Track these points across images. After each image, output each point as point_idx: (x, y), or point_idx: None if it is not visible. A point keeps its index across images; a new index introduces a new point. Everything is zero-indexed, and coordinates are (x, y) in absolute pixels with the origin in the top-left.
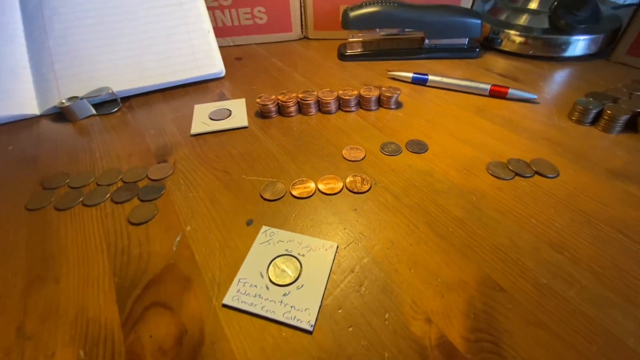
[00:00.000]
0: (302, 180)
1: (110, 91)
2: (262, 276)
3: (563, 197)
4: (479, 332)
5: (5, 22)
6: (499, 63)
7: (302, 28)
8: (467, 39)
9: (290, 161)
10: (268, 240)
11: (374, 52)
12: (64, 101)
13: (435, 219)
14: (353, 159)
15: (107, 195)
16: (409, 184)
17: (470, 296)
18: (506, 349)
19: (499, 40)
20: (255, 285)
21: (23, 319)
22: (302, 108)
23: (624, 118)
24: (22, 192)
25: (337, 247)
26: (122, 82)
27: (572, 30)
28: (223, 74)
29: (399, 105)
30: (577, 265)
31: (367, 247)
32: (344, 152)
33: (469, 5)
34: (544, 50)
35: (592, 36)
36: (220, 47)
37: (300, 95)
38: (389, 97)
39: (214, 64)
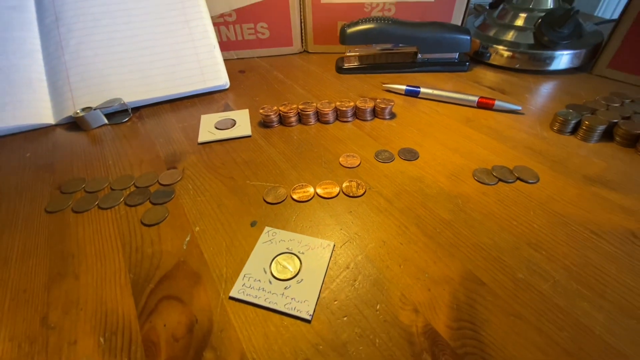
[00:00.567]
0: (302, 185)
1: (122, 102)
2: (265, 272)
3: (542, 200)
4: (461, 321)
5: (23, 37)
6: (488, 76)
7: (302, 42)
8: (458, 54)
9: (291, 168)
10: (270, 240)
11: (370, 66)
12: (78, 111)
13: (424, 220)
14: (349, 166)
15: (121, 199)
16: (400, 189)
17: (454, 290)
18: (485, 336)
19: (488, 55)
20: (259, 280)
21: (47, 310)
22: (302, 118)
23: (600, 128)
24: (41, 196)
25: (334, 245)
26: (133, 94)
27: (555, 45)
28: (228, 86)
29: (392, 115)
30: (552, 262)
31: (361, 245)
32: (340, 159)
33: (459, 22)
34: (529, 64)
35: (575, 51)
36: (225, 61)
37: (300, 107)
38: (383, 108)
39: (219, 77)
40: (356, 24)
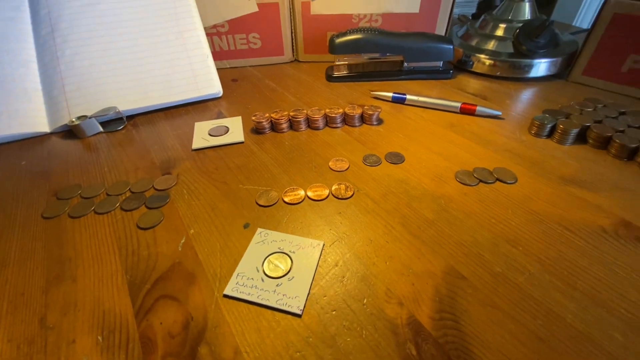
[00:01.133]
0: (293, 188)
1: (117, 110)
2: (258, 270)
3: (520, 200)
4: (443, 312)
5: (19, 48)
6: (471, 83)
7: (293, 52)
8: (442, 62)
9: (282, 172)
10: (263, 240)
11: (359, 74)
12: (73, 120)
13: (409, 220)
14: (338, 170)
15: (117, 204)
16: (387, 190)
17: (437, 284)
18: (465, 326)
19: (471, 63)
20: (252, 278)
21: (45, 312)
22: (293, 125)
23: (574, 131)
24: (37, 203)
25: (323, 245)
26: (128, 102)
27: (533, 54)
28: (221, 94)
29: (380, 121)
30: (527, 256)
31: (349, 244)
32: (330, 163)
33: (443, 32)
34: (510, 72)
35: (552, 59)
36: (218, 69)
37: (291, 114)
38: (371, 115)
39: (212, 86)
40: (344, 34)
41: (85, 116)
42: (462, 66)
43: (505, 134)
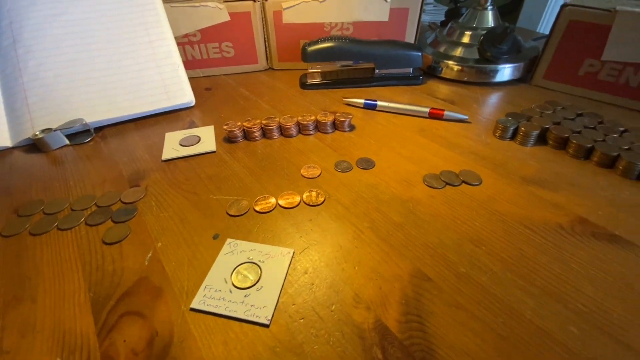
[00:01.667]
0: (264, 196)
1: (84, 122)
2: (226, 282)
3: (484, 201)
4: (409, 314)
5: None
6: (440, 89)
7: (267, 60)
8: (412, 68)
9: (254, 181)
10: (232, 251)
11: (332, 82)
12: (37, 133)
13: (378, 224)
14: (310, 177)
15: (82, 219)
16: (357, 196)
17: (404, 286)
18: (430, 327)
19: (440, 69)
20: (220, 290)
21: (1, 335)
22: (265, 133)
23: (535, 133)
24: None
25: (294, 253)
26: (95, 114)
27: (497, 60)
28: (193, 104)
29: (352, 127)
30: (490, 256)
31: (319, 251)
32: (302, 170)
33: (412, 40)
34: (476, 77)
35: (515, 64)
36: (191, 79)
37: (263, 122)
38: (343, 121)
39: (184, 95)
40: (316, 42)
41: (50, 129)
42: (431, 72)
43: (472, 137)
